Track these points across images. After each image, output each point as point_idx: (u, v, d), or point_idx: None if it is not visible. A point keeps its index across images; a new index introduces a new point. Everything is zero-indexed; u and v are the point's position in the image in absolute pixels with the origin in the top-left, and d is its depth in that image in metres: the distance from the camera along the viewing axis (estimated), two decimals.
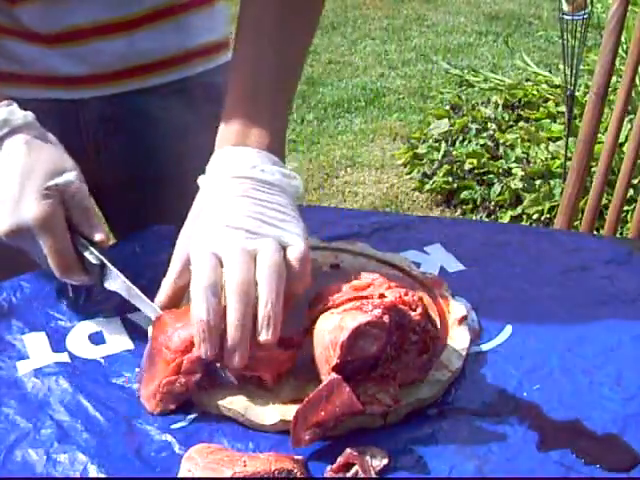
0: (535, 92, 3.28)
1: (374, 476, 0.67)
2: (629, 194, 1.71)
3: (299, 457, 0.68)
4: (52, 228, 0.80)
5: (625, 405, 0.76)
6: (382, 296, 0.75)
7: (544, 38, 4.34)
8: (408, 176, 3.10)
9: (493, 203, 2.81)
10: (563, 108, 2.75)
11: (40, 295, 0.90)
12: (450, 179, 2.93)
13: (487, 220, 2.73)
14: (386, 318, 0.71)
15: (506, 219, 2.71)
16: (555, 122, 3.03)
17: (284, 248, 0.77)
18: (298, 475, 0.66)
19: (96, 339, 0.84)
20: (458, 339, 0.81)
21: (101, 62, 1.05)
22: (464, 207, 2.88)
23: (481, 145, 3.01)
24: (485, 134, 3.06)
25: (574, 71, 2.45)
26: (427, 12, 4.89)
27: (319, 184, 3.10)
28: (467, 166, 2.91)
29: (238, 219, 0.77)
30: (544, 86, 3.33)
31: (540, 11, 4.80)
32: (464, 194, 2.87)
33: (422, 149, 3.11)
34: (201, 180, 0.84)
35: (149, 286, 0.91)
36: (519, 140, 2.95)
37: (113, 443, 0.72)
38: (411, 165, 3.11)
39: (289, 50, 0.89)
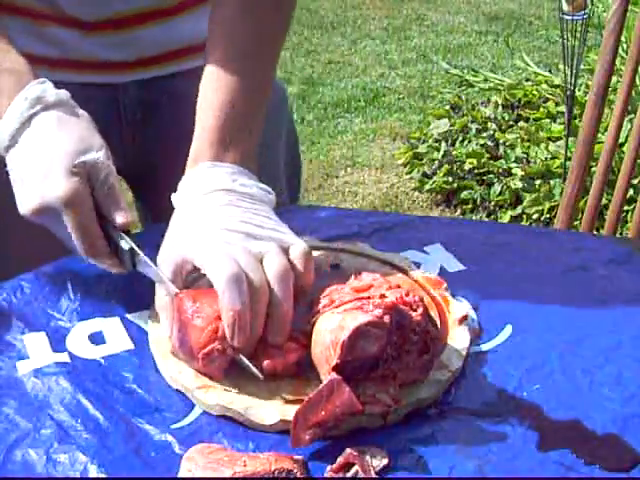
0: (535, 92, 3.28)
1: (374, 476, 0.67)
2: (629, 194, 1.71)
3: (299, 457, 0.68)
4: (77, 206, 0.81)
5: (625, 405, 0.76)
6: (383, 296, 0.75)
7: (544, 38, 4.34)
8: (408, 176, 3.10)
9: (493, 203, 2.80)
10: (563, 108, 2.75)
11: (40, 295, 0.90)
12: (450, 179, 2.93)
13: (487, 220, 2.73)
14: (387, 318, 0.71)
15: (506, 219, 2.71)
16: (555, 122, 3.03)
17: (286, 250, 0.79)
18: (298, 475, 0.66)
19: (96, 339, 0.84)
20: (458, 339, 0.81)
21: (140, 48, 1.08)
22: (464, 207, 2.88)
23: (481, 145, 3.00)
24: (485, 134, 3.06)
25: (574, 71, 2.46)
26: (427, 12, 4.89)
27: (319, 184, 3.10)
28: (467, 166, 2.91)
29: (234, 223, 0.79)
30: (544, 86, 3.33)
31: (540, 11, 4.80)
32: (464, 194, 2.87)
33: (422, 149, 3.11)
34: (176, 198, 0.85)
35: (150, 284, 0.91)
36: (519, 140, 2.95)
37: (113, 443, 0.72)
38: (411, 165, 3.11)
39: (261, 60, 0.92)
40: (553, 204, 2.63)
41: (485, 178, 2.88)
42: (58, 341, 0.84)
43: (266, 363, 0.75)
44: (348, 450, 0.69)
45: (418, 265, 0.95)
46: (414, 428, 0.73)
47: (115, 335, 0.85)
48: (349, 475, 0.68)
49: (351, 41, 4.50)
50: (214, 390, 0.75)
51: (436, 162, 3.00)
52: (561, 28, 2.46)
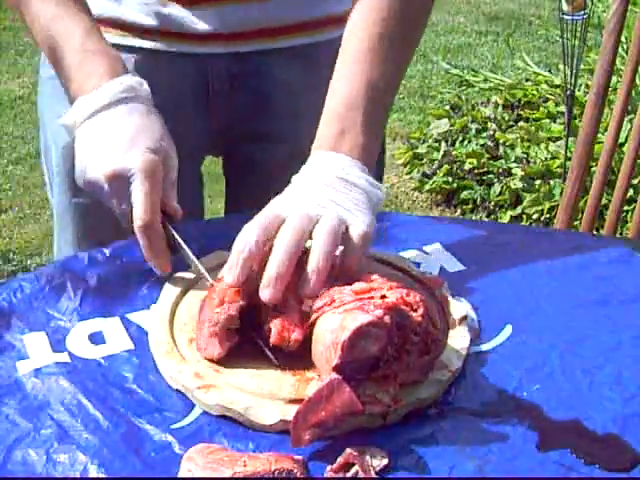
0: (535, 92, 3.28)
1: (374, 476, 0.67)
2: (629, 194, 1.71)
3: (299, 457, 0.68)
4: (153, 177, 0.87)
5: (625, 405, 0.76)
6: (384, 297, 0.75)
7: (544, 38, 4.34)
8: (408, 176, 3.10)
9: (493, 203, 2.81)
10: (563, 108, 2.75)
11: (40, 295, 0.90)
12: (450, 179, 2.93)
13: (487, 220, 2.73)
14: (387, 318, 0.71)
15: (506, 219, 2.71)
16: (555, 122, 3.03)
17: (347, 226, 0.81)
18: (298, 475, 0.66)
19: (96, 339, 0.84)
20: (458, 339, 0.81)
21: (233, 23, 1.10)
22: (464, 207, 2.88)
23: (481, 145, 3.01)
24: (485, 134, 3.06)
25: (574, 71, 2.46)
26: None
27: None
28: (467, 166, 2.91)
29: (313, 195, 0.83)
30: (544, 86, 3.33)
31: (540, 11, 4.80)
32: (464, 194, 2.87)
33: (422, 149, 3.11)
34: (294, 179, 0.87)
35: (150, 284, 0.91)
36: (519, 140, 2.95)
37: (113, 443, 0.72)
38: (411, 165, 3.11)
39: (393, 65, 0.93)
40: (553, 204, 2.63)
41: (485, 178, 2.88)
42: (58, 341, 0.84)
43: (273, 332, 0.77)
44: (348, 450, 0.69)
45: (418, 265, 0.95)
46: (414, 428, 0.73)
47: (115, 335, 0.85)
48: (349, 475, 0.68)
49: None
50: (214, 390, 0.75)
51: (436, 162, 3.00)
52: (561, 28, 2.46)
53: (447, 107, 3.37)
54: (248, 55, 1.13)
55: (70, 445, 0.71)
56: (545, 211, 2.66)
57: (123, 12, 1.11)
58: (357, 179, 0.85)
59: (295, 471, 0.66)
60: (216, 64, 1.13)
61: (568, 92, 2.49)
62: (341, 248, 0.81)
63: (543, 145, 2.89)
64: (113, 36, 1.10)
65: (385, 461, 0.69)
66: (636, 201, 1.67)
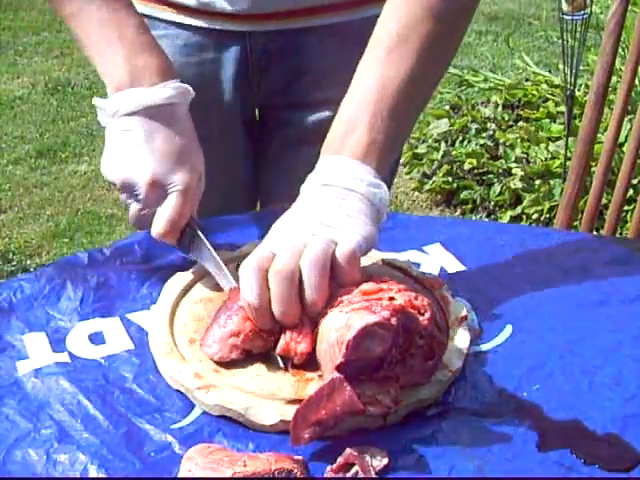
0: (535, 92, 3.28)
1: (374, 476, 0.67)
2: (629, 194, 1.71)
3: (299, 457, 0.68)
4: (188, 195, 0.90)
5: (625, 405, 0.76)
6: (392, 299, 0.75)
7: (544, 38, 4.34)
8: (408, 176, 3.10)
9: (493, 203, 2.80)
10: (563, 108, 2.75)
11: (40, 295, 0.90)
12: (450, 179, 2.93)
13: (487, 220, 2.73)
14: (394, 320, 0.71)
15: (506, 219, 2.71)
16: (555, 122, 3.03)
17: (336, 244, 0.80)
18: (298, 475, 0.66)
19: (96, 339, 0.84)
20: (458, 339, 0.81)
21: (269, 3, 1.15)
22: (464, 207, 2.88)
23: (481, 145, 3.00)
24: (485, 134, 3.06)
25: (574, 71, 2.45)
26: None
27: None
28: (467, 166, 2.91)
29: (302, 227, 0.82)
30: (544, 86, 3.33)
31: (540, 11, 4.79)
32: (464, 194, 2.87)
33: (422, 149, 3.11)
34: (302, 188, 0.88)
35: (151, 285, 0.91)
36: (519, 140, 2.95)
37: (113, 443, 0.72)
38: (411, 165, 3.11)
39: (421, 63, 0.89)
40: (553, 204, 2.62)
41: (485, 178, 2.88)
42: (58, 341, 0.84)
43: (280, 343, 0.77)
44: (348, 450, 0.69)
45: (418, 265, 0.95)
46: (414, 428, 0.73)
47: (115, 335, 0.85)
48: (349, 475, 0.68)
49: None
50: (214, 390, 0.75)
51: (436, 162, 3.00)
52: (561, 28, 2.46)
53: (447, 107, 3.37)
54: (283, 33, 1.17)
55: (70, 445, 0.71)
56: (545, 211, 2.66)
57: None
58: (356, 184, 0.84)
59: (295, 471, 0.66)
60: (253, 41, 1.18)
61: (568, 92, 2.49)
62: None
63: (543, 145, 2.88)
64: (166, 12, 1.17)
65: (385, 461, 0.69)
66: (636, 201, 1.66)
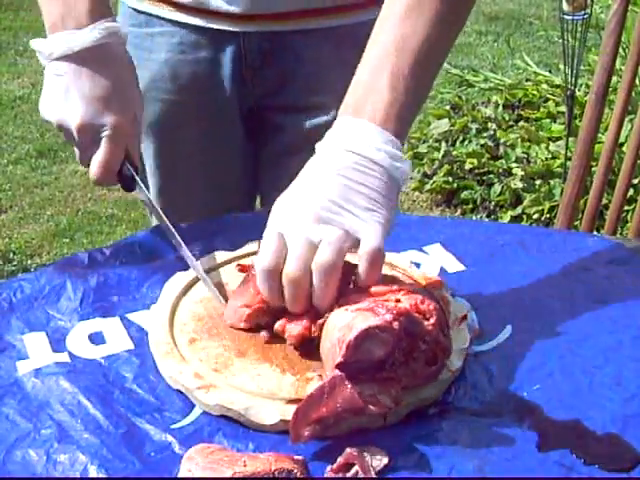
0: (535, 92, 3.28)
1: (374, 476, 0.67)
2: (629, 194, 1.71)
3: (299, 457, 0.68)
4: (118, 138, 0.92)
5: (625, 405, 0.76)
6: (398, 301, 0.75)
7: (544, 38, 4.34)
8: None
9: (493, 203, 2.80)
10: (563, 108, 2.75)
11: (40, 295, 0.90)
12: (450, 179, 2.93)
13: (487, 220, 2.73)
14: (396, 324, 0.71)
15: (506, 219, 2.71)
16: (555, 122, 3.03)
17: (356, 240, 0.78)
18: (298, 475, 0.66)
19: (96, 339, 0.84)
20: (458, 339, 0.81)
21: (264, 4, 1.14)
22: (464, 207, 2.88)
23: (481, 145, 3.00)
24: (485, 134, 3.06)
25: (574, 71, 2.45)
26: None
27: None
28: (467, 166, 2.91)
29: (318, 202, 0.78)
30: (544, 86, 3.33)
31: (540, 11, 4.79)
32: (464, 194, 2.87)
33: (422, 149, 3.11)
34: (317, 146, 0.85)
35: (151, 285, 0.91)
36: (519, 140, 2.95)
37: (113, 443, 0.72)
38: (411, 165, 3.10)
39: (433, 28, 0.87)
40: (553, 204, 2.63)
41: (485, 178, 2.88)
42: (58, 341, 0.84)
43: (279, 323, 0.80)
44: (348, 450, 0.69)
45: (418, 265, 0.95)
46: (414, 428, 0.73)
47: (115, 335, 0.85)
48: (349, 475, 0.68)
49: None
50: (214, 390, 0.75)
51: (436, 162, 3.00)
52: (561, 28, 2.46)
53: (447, 107, 3.37)
54: (279, 34, 1.16)
55: (70, 445, 0.71)
56: (545, 211, 2.66)
57: None
58: (379, 156, 0.80)
59: (295, 471, 0.66)
60: (249, 41, 1.17)
61: (568, 92, 2.49)
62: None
63: (543, 145, 2.88)
64: (162, 10, 1.17)
65: (385, 461, 0.69)
66: (636, 201, 1.66)
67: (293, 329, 0.78)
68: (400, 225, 1.03)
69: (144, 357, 0.81)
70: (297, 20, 1.16)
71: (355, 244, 0.78)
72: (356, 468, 0.68)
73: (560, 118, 3.00)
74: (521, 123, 3.09)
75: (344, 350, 0.71)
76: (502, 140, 2.99)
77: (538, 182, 2.75)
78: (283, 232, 0.79)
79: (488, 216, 2.78)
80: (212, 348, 0.80)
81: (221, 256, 0.94)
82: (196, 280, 0.90)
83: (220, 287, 0.88)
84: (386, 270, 0.90)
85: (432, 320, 0.74)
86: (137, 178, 0.96)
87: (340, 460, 0.68)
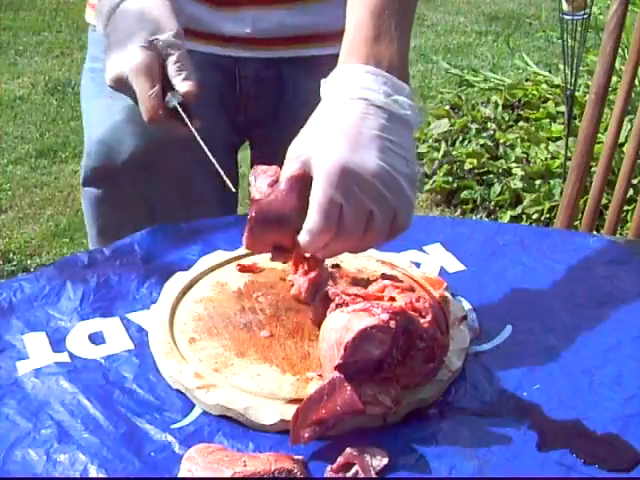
0: (535, 92, 3.27)
1: (374, 476, 0.67)
2: (629, 194, 1.71)
3: (299, 457, 0.68)
4: (146, 75, 0.91)
5: (625, 405, 0.76)
6: (392, 299, 0.75)
7: (544, 38, 4.34)
8: None
9: (493, 203, 2.80)
10: (563, 108, 2.75)
11: (40, 295, 0.90)
12: (450, 179, 2.93)
13: (487, 220, 2.73)
14: (392, 323, 0.71)
15: (506, 219, 2.71)
16: (555, 122, 3.03)
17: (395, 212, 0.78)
18: (298, 475, 0.66)
19: (96, 339, 0.84)
20: (458, 339, 0.81)
21: (262, 28, 1.11)
22: (464, 207, 2.88)
23: (481, 145, 3.00)
24: (485, 134, 3.06)
25: (574, 71, 2.45)
26: (427, 12, 4.89)
27: None
28: (467, 166, 2.91)
29: (368, 168, 0.76)
30: (544, 86, 3.33)
31: (540, 11, 4.79)
32: (464, 194, 2.87)
33: (422, 149, 3.10)
34: (326, 91, 0.83)
35: (151, 285, 0.91)
36: (519, 140, 2.95)
37: (113, 443, 0.72)
38: None
39: None
40: (553, 204, 2.62)
41: (485, 178, 2.88)
42: (58, 341, 0.84)
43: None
44: (348, 450, 0.69)
45: (418, 265, 0.95)
46: (414, 428, 0.73)
47: (115, 335, 0.85)
48: (349, 475, 0.68)
49: None
50: (214, 390, 0.75)
51: (436, 162, 3.00)
52: (561, 28, 2.46)
53: (447, 107, 3.37)
54: (277, 61, 1.14)
55: (70, 445, 0.71)
56: (545, 211, 2.66)
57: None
58: (402, 109, 0.78)
59: (295, 471, 0.66)
60: (245, 67, 1.14)
61: (568, 92, 2.49)
62: None
63: (543, 145, 2.88)
64: None
65: (385, 461, 0.69)
66: (636, 201, 1.66)
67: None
68: None
69: (144, 357, 0.81)
70: (299, 45, 1.13)
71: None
72: (356, 468, 0.68)
73: (560, 118, 3.00)
74: (521, 123, 3.09)
75: (342, 352, 0.71)
76: (502, 140, 2.99)
77: (538, 182, 2.75)
78: (339, 198, 0.75)
79: (488, 216, 2.78)
80: (212, 348, 0.80)
81: (221, 256, 0.94)
82: (196, 280, 0.90)
83: (220, 287, 0.89)
84: (386, 270, 0.90)
85: (428, 317, 0.74)
86: (180, 109, 0.93)
87: (340, 460, 0.68)
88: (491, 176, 2.86)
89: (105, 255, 0.96)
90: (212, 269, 0.92)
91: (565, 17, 2.44)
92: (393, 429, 0.73)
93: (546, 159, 2.82)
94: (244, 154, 1.30)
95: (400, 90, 0.80)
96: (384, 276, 0.82)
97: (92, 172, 1.16)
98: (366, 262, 0.93)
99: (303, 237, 0.77)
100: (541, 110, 3.13)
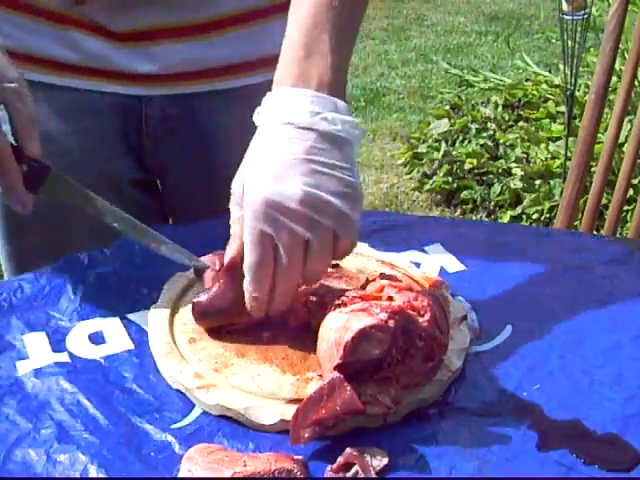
0: (535, 92, 3.28)
1: (374, 476, 0.67)
2: (629, 194, 1.71)
3: (299, 457, 0.68)
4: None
5: (625, 405, 0.76)
6: (391, 299, 0.75)
7: (544, 38, 4.34)
8: (408, 176, 3.10)
9: (493, 203, 2.81)
10: (563, 108, 2.75)
11: (40, 295, 0.90)
12: (450, 179, 2.93)
13: (487, 220, 2.73)
14: (391, 323, 0.71)
15: (506, 219, 2.71)
16: (555, 122, 3.03)
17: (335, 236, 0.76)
18: (298, 475, 0.66)
19: (96, 339, 0.84)
20: (458, 339, 0.81)
21: (171, 63, 1.04)
22: (464, 207, 2.88)
23: (481, 145, 3.01)
24: (485, 134, 3.06)
25: (574, 71, 2.45)
26: (427, 12, 4.89)
27: None
28: (467, 166, 2.91)
29: (293, 196, 0.74)
30: (544, 86, 3.33)
31: (540, 11, 4.80)
32: (464, 194, 2.87)
33: (422, 149, 3.11)
34: (258, 120, 0.80)
35: (151, 285, 0.91)
36: (519, 140, 2.96)
37: (113, 443, 0.72)
38: (411, 165, 3.11)
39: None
40: (553, 204, 2.63)
41: (485, 178, 2.88)
42: (58, 341, 0.84)
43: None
44: (348, 450, 0.69)
45: (418, 265, 0.95)
46: (414, 428, 0.73)
47: (115, 335, 0.85)
48: (349, 475, 0.68)
49: None
50: (214, 390, 0.75)
51: (436, 162, 3.00)
52: (561, 28, 2.46)
53: (447, 107, 3.37)
54: (185, 97, 1.06)
55: (70, 445, 0.71)
56: (545, 211, 2.66)
57: (35, 43, 1.01)
58: (334, 126, 0.76)
59: (295, 471, 0.66)
60: (150, 105, 1.06)
61: (568, 92, 2.49)
62: None
63: (543, 145, 2.89)
64: (40, 74, 1.01)
65: (385, 461, 0.69)
66: (636, 201, 1.66)
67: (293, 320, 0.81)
68: (400, 225, 1.03)
69: (144, 357, 0.81)
70: (207, 80, 1.05)
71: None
72: (356, 468, 0.68)
73: (560, 118, 3.00)
74: (521, 123, 3.09)
75: (342, 352, 0.71)
76: (502, 140, 2.99)
77: (538, 182, 2.75)
78: (266, 230, 0.74)
79: (488, 216, 2.79)
80: (212, 348, 0.80)
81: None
82: (196, 280, 0.90)
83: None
84: (386, 270, 0.90)
85: (427, 316, 0.74)
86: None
87: (340, 460, 0.68)
88: (491, 176, 2.87)
89: (105, 255, 0.96)
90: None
91: (565, 17, 2.44)
92: (393, 429, 0.73)
93: (546, 159, 2.82)
94: None
95: (330, 107, 0.77)
96: (382, 276, 0.82)
97: None
98: (366, 262, 0.93)
99: (246, 286, 0.77)
100: (541, 110, 3.13)
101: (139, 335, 0.84)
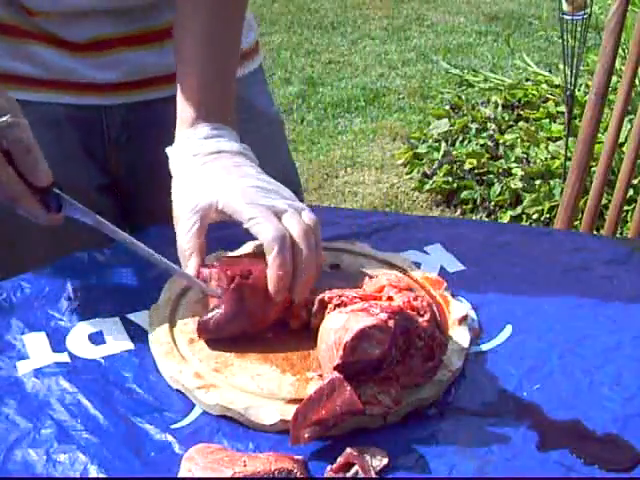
0: (535, 92, 3.28)
1: (374, 476, 0.67)
2: (629, 194, 1.71)
3: (299, 457, 0.68)
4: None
5: (625, 405, 0.76)
6: (390, 299, 0.75)
7: (544, 38, 4.34)
8: (408, 176, 3.10)
9: (493, 203, 2.80)
10: (563, 108, 2.75)
11: (40, 295, 0.90)
12: (450, 179, 2.93)
13: (487, 220, 2.73)
14: (391, 323, 0.71)
15: (506, 219, 2.71)
16: (555, 122, 3.03)
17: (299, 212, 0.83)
18: (298, 475, 0.66)
19: (96, 339, 0.84)
20: (458, 339, 0.81)
21: (128, 71, 1.05)
22: (464, 207, 2.88)
23: (481, 145, 3.00)
24: (485, 134, 3.06)
25: (574, 71, 2.45)
26: (427, 12, 4.89)
27: (319, 184, 3.11)
28: (467, 166, 2.91)
29: (252, 180, 0.85)
30: (544, 86, 3.33)
31: (540, 11, 4.80)
32: (464, 194, 2.87)
33: (422, 149, 3.11)
34: (174, 161, 0.89)
35: (151, 285, 0.91)
36: (519, 140, 2.95)
37: (113, 443, 0.72)
38: (411, 165, 3.11)
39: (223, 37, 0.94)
40: (553, 204, 2.63)
41: (485, 178, 2.88)
42: (58, 341, 0.84)
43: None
44: (348, 450, 0.69)
45: (418, 265, 0.95)
46: (414, 428, 0.73)
47: (115, 335, 0.85)
48: (349, 475, 0.68)
49: (351, 41, 4.50)
50: (214, 390, 0.75)
51: (436, 162, 3.00)
52: (561, 28, 2.46)
53: (447, 107, 3.37)
54: (144, 103, 1.07)
55: (70, 445, 0.71)
56: (545, 211, 2.66)
57: (4, 62, 1.01)
58: (237, 146, 0.88)
59: (295, 471, 0.66)
60: (109, 113, 1.06)
61: (568, 92, 2.49)
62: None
63: (543, 145, 2.88)
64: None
65: (385, 461, 0.69)
66: (636, 201, 1.66)
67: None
68: (400, 225, 1.03)
69: (144, 357, 0.81)
70: (165, 86, 1.05)
71: None
72: (356, 468, 0.68)
73: (560, 118, 3.00)
74: (521, 123, 3.09)
75: (341, 352, 0.71)
76: (502, 140, 2.99)
77: (538, 182, 2.75)
78: (265, 204, 0.82)
79: (488, 216, 2.79)
80: (212, 348, 0.80)
81: (221, 256, 0.94)
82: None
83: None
84: (386, 270, 0.90)
85: (426, 317, 0.74)
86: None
87: (340, 460, 0.68)
88: (491, 176, 2.87)
89: (105, 255, 0.96)
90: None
91: (565, 17, 2.44)
92: (393, 429, 0.73)
93: (546, 159, 2.82)
94: None
95: (230, 134, 0.89)
96: (382, 276, 0.82)
97: None
98: (366, 262, 0.93)
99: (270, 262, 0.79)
100: (541, 110, 3.13)
101: (139, 335, 0.84)
